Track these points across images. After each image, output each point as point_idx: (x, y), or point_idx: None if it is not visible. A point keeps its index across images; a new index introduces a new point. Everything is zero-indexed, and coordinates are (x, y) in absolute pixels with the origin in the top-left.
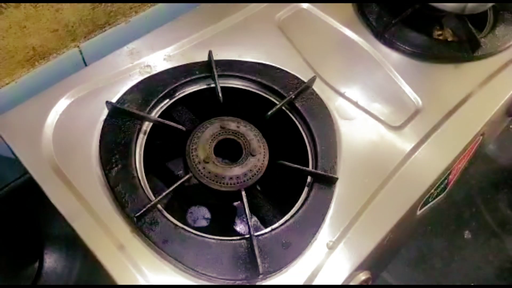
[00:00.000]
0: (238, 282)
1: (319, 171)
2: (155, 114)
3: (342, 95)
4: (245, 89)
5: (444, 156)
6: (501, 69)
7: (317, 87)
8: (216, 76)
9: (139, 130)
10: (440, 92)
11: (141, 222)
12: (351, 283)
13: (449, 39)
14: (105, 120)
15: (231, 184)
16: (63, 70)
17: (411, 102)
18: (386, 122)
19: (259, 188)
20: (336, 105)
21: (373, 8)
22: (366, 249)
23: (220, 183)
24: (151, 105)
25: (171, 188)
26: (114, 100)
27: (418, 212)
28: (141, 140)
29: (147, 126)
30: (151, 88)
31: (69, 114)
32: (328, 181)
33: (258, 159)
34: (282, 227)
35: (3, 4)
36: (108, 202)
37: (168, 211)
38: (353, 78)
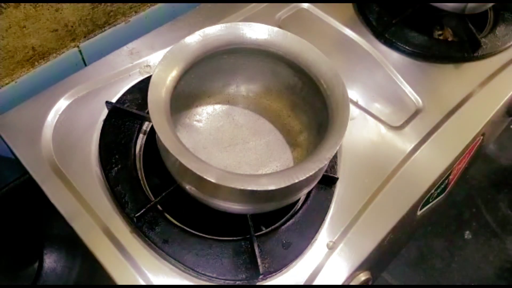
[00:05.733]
0: (238, 282)
1: None
2: None
3: None
4: None
5: (445, 156)
6: (502, 69)
7: None
8: None
9: (139, 130)
10: (441, 92)
11: (141, 222)
12: (352, 283)
13: (449, 39)
14: (105, 120)
15: None
16: (63, 70)
17: (411, 102)
18: (386, 122)
19: None
20: None
21: (373, 8)
22: (366, 249)
23: None
24: None
25: (171, 188)
26: (114, 100)
27: (419, 212)
28: (141, 140)
29: (147, 126)
30: None
31: (69, 114)
32: (328, 181)
33: None
34: (282, 227)
35: (2, 4)
36: (108, 202)
37: (168, 211)
38: (353, 78)
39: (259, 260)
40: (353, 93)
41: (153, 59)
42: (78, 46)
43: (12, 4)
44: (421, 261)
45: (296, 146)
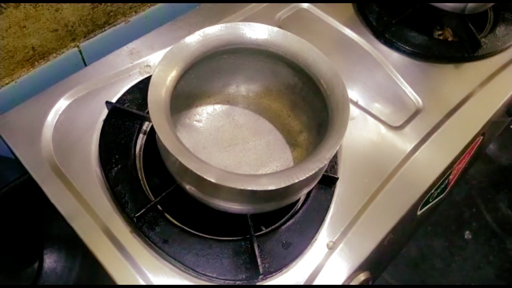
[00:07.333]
0: (238, 282)
1: None
2: None
3: None
4: None
5: (445, 156)
6: (502, 69)
7: None
8: None
9: (139, 130)
10: (441, 92)
11: (141, 222)
12: (352, 283)
13: (450, 39)
14: (105, 120)
15: None
16: (63, 70)
17: (411, 102)
18: (387, 122)
19: None
20: None
21: (373, 8)
22: (366, 249)
23: None
24: None
25: (171, 188)
26: (114, 100)
27: (419, 212)
28: (141, 140)
29: (147, 126)
30: None
31: (69, 114)
32: (328, 181)
33: None
34: (282, 227)
35: (2, 4)
36: (108, 202)
37: (168, 211)
38: (353, 78)
39: (259, 260)
40: (353, 93)
41: (153, 59)
42: (78, 46)
43: (12, 4)
44: (421, 261)
45: (296, 146)
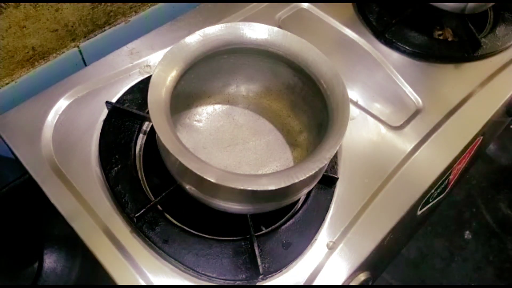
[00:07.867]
0: (238, 282)
1: None
2: None
3: None
4: None
5: (445, 156)
6: (502, 69)
7: None
8: None
9: (139, 130)
10: (441, 92)
11: (141, 222)
12: (352, 283)
13: (449, 39)
14: (105, 120)
15: None
16: (63, 70)
17: (411, 102)
18: (387, 122)
19: None
20: None
21: (373, 8)
22: (366, 249)
23: None
24: None
25: (171, 188)
26: (114, 100)
27: (419, 212)
28: (141, 140)
29: (147, 126)
30: None
31: (69, 114)
32: (328, 181)
33: None
34: (282, 227)
35: (2, 4)
36: (108, 202)
37: (168, 211)
38: (353, 78)
39: (259, 260)
40: (353, 93)
41: (153, 59)
42: (78, 46)
43: (12, 4)
44: (421, 261)
45: (296, 146)
